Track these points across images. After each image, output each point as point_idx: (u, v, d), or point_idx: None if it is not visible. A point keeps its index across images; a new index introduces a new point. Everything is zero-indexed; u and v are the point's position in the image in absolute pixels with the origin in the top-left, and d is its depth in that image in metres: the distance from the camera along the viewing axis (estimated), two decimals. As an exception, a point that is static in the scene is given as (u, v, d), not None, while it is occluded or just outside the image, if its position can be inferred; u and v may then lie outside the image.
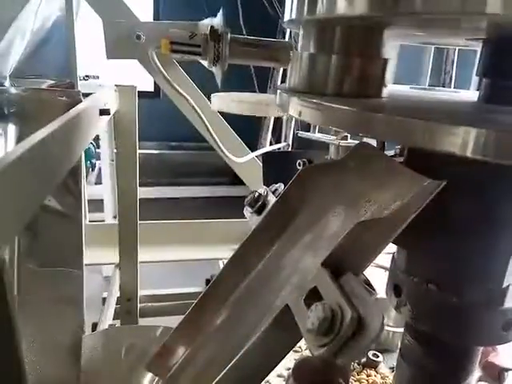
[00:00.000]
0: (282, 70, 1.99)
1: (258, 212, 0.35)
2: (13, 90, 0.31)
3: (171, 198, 2.81)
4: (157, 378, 0.34)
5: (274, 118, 1.92)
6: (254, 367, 0.28)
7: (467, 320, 0.29)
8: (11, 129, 0.29)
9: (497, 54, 0.27)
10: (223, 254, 0.79)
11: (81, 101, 0.35)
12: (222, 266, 0.77)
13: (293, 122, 1.97)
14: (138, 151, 0.70)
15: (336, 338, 0.19)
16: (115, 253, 0.75)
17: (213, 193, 3.07)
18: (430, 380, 0.33)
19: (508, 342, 0.30)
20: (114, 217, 1.53)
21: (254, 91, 2.33)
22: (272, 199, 0.35)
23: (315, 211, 0.32)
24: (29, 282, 0.29)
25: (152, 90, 2.35)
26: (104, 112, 0.40)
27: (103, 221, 1.49)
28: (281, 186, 0.37)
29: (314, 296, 0.23)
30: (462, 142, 0.21)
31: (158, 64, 0.54)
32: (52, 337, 0.33)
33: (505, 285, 0.28)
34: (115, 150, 1.44)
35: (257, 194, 0.36)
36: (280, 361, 0.27)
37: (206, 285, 0.38)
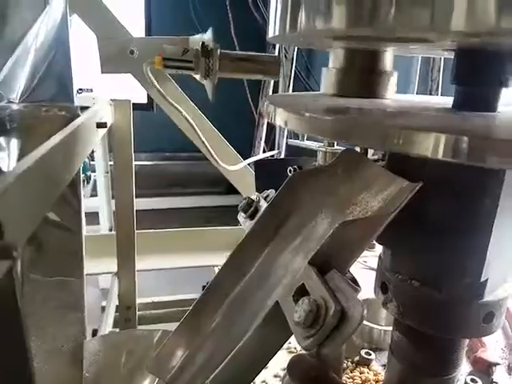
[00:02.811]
0: (272, 81, 2.02)
1: (251, 217, 0.37)
2: (14, 106, 0.33)
3: (166, 209, 2.81)
4: (157, 380, 0.36)
5: (267, 126, 1.94)
6: (248, 363, 0.29)
7: (449, 313, 0.31)
8: (13, 143, 0.30)
9: (467, 64, 0.29)
10: (218, 261, 0.80)
11: (79, 115, 0.36)
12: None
13: (285, 131, 2.00)
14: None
15: (321, 330, 0.21)
16: (112, 263, 0.77)
17: (207, 203, 3.08)
18: (418, 373, 0.35)
19: (490, 333, 0.32)
20: (110, 229, 1.54)
21: (247, 100, 2.36)
22: (264, 204, 0.36)
23: (305, 214, 0.34)
24: (32, 291, 0.30)
25: (145, 101, 2.37)
26: (101, 125, 0.41)
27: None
28: (272, 192, 0.38)
29: (301, 292, 0.24)
30: (433, 146, 0.22)
31: (152, 78, 0.56)
32: (55, 342, 0.34)
33: (483, 279, 0.30)
34: (110, 162, 1.44)
35: (249, 199, 0.38)
36: (272, 356, 0.29)
37: (203, 290, 0.39)
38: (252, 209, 0.37)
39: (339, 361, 0.30)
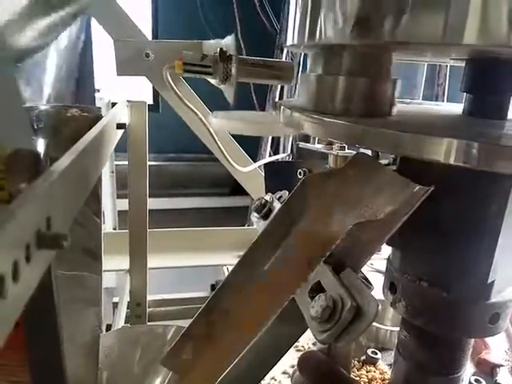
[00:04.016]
0: (279, 85, 2.03)
1: (265, 217, 0.38)
2: (41, 107, 0.34)
3: (168, 210, 2.82)
4: (170, 375, 0.37)
5: None
6: (262, 358, 0.31)
7: (456, 314, 0.31)
8: (40, 142, 0.32)
9: (477, 73, 0.31)
10: (227, 260, 0.82)
11: (101, 116, 0.38)
12: (226, 272, 0.79)
13: (291, 135, 2.01)
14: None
15: (337, 324, 0.22)
16: (122, 260, 0.78)
17: (211, 204, 3.08)
18: (425, 372, 0.36)
19: (496, 334, 0.33)
20: (114, 228, 1.55)
21: (253, 105, 2.37)
22: (277, 205, 0.37)
23: (317, 216, 0.35)
24: (58, 286, 0.32)
25: (151, 102, 2.39)
26: (120, 126, 0.43)
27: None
28: (285, 193, 0.39)
29: (317, 289, 0.25)
30: (445, 151, 0.23)
31: (171, 82, 0.58)
32: (73, 335, 0.36)
33: (490, 280, 0.30)
34: (115, 163, 1.45)
35: (263, 200, 0.39)
36: (286, 351, 0.30)
37: (212, 290, 0.40)
38: (265, 209, 0.38)
39: (348, 358, 0.31)
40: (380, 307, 0.21)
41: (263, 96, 2.31)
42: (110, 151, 0.37)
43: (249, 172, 0.74)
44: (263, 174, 0.72)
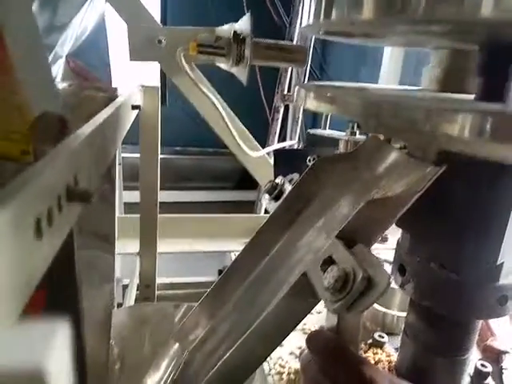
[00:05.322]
0: (288, 77, 2.02)
1: (276, 199, 0.38)
2: (59, 85, 0.35)
3: (174, 203, 2.83)
4: (175, 349, 0.38)
5: (282, 117, 1.94)
6: (269, 335, 0.31)
7: (465, 295, 0.32)
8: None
9: (492, 56, 0.31)
10: (234, 247, 0.83)
11: (117, 96, 0.38)
12: (233, 257, 0.80)
13: (299, 121, 2.00)
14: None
15: (349, 294, 0.23)
16: (132, 244, 0.80)
17: (216, 197, 3.09)
18: (432, 354, 0.36)
19: (504, 315, 0.33)
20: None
21: (261, 97, 2.35)
22: (288, 187, 0.38)
23: (328, 197, 0.35)
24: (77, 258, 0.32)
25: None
26: (135, 107, 0.43)
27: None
28: (296, 176, 0.40)
29: (328, 263, 0.26)
30: (460, 125, 0.24)
31: (185, 64, 0.58)
32: (89, 309, 0.37)
33: (499, 262, 0.31)
34: (122, 155, 1.46)
35: (274, 182, 0.39)
36: (293, 328, 0.31)
37: (219, 275, 0.41)
38: (277, 191, 0.38)
39: (356, 336, 0.32)
40: (392, 279, 0.22)
41: (271, 89, 2.30)
42: (125, 130, 0.38)
43: (258, 159, 0.74)
44: (272, 161, 0.72)
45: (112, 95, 0.37)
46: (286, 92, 1.90)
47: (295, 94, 0.32)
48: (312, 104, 0.29)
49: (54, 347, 0.08)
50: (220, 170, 2.85)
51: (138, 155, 0.73)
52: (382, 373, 0.30)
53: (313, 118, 2.43)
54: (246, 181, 2.12)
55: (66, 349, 0.09)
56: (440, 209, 0.31)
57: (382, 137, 0.39)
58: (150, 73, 0.71)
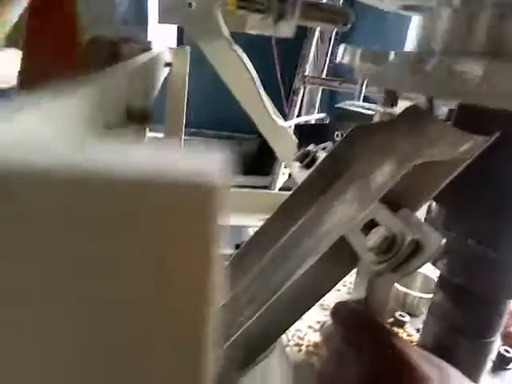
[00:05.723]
0: (311, 59, 1.97)
1: (307, 166, 0.37)
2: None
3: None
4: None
5: (303, 92, 1.88)
6: (298, 300, 0.30)
7: (501, 274, 0.31)
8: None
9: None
10: (251, 222, 0.82)
11: (151, 49, 0.37)
12: (251, 233, 0.79)
13: (318, 96, 1.96)
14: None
15: (395, 257, 0.22)
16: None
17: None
18: (457, 334, 0.35)
19: (538, 298, 0.32)
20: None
21: (277, 79, 2.31)
22: (322, 155, 0.37)
23: (364, 167, 0.34)
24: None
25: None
26: (167, 64, 0.42)
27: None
28: (329, 144, 0.39)
29: (370, 227, 0.25)
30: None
31: (222, 20, 0.56)
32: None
33: (541, 241, 0.30)
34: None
35: (305, 150, 0.38)
36: (326, 293, 0.30)
37: (236, 249, 0.40)
38: (309, 158, 0.37)
39: (383, 309, 0.31)
40: (444, 241, 0.21)
41: (291, 70, 2.25)
42: (159, 83, 0.37)
43: (281, 132, 0.73)
44: (293, 136, 0.71)
45: (148, 47, 0.36)
46: (306, 73, 1.87)
47: (340, 51, 0.31)
48: (359, 60, 0.28)
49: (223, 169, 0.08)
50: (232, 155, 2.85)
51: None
52: (408, 343, 0.29)
53: (329, 99, 2.35)
54: (254, 167, 2.10)
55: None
56: (482, 183, 0.30)
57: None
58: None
